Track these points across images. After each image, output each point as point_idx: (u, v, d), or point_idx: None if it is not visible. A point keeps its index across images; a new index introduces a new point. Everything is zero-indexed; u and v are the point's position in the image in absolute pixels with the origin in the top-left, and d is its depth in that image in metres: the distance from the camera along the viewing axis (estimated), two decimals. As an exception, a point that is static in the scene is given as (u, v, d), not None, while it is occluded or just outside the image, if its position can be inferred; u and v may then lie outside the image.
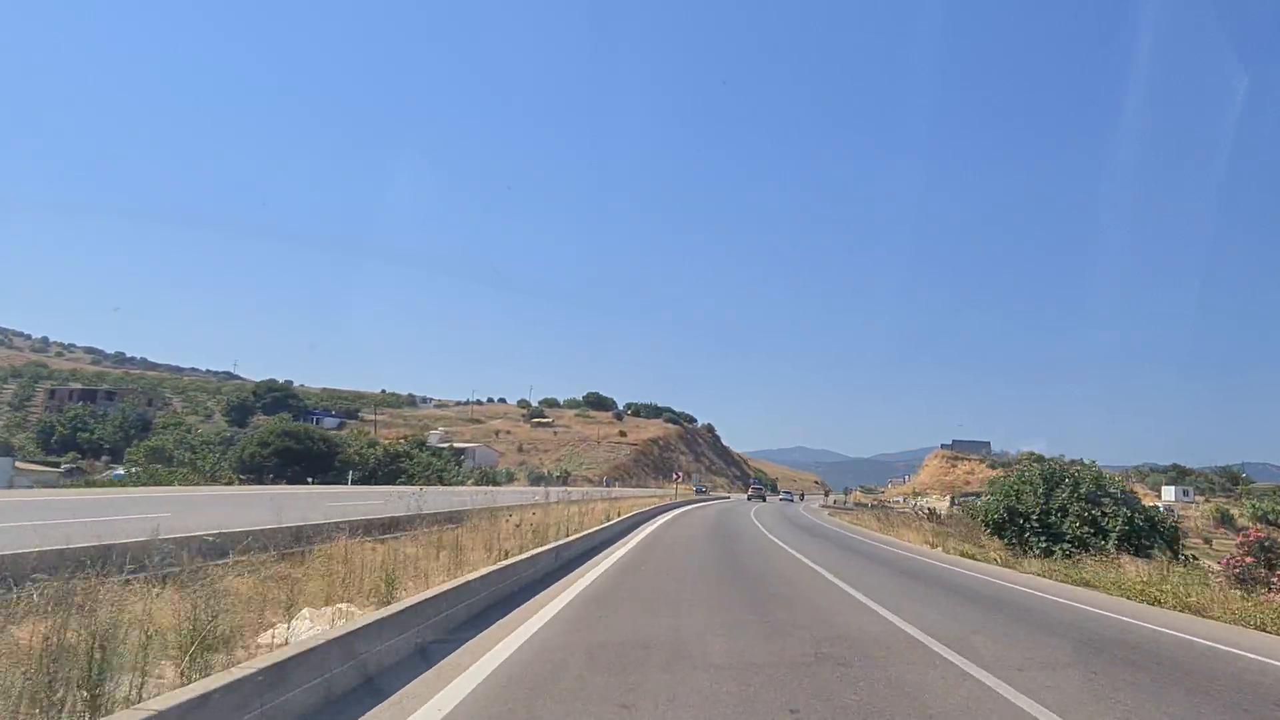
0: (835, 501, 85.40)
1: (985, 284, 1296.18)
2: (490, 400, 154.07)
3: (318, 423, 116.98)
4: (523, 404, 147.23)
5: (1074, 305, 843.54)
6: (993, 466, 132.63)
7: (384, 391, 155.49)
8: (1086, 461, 22.63)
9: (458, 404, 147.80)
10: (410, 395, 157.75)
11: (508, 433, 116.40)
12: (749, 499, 79.70)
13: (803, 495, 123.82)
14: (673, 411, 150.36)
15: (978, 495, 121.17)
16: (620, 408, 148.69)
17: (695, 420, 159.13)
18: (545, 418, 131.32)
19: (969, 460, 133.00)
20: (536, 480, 70.17)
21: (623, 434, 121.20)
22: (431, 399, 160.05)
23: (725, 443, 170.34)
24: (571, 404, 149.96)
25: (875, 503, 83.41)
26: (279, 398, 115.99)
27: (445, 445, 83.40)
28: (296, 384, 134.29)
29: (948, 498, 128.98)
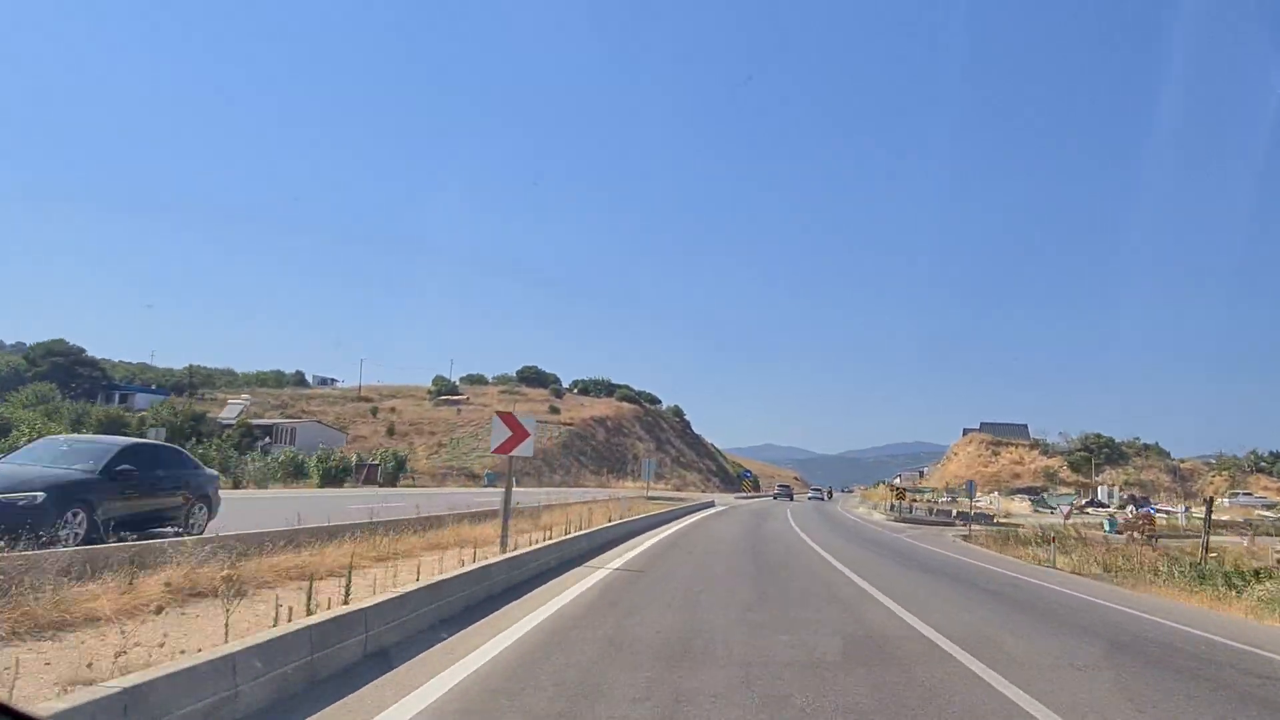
0: (896, 506, 53.05)
1: (974, 284, 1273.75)
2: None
3: (122, 399, 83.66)
4: (437, 381, 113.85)
5: (1067, 305, 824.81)
6: (1046, 453, 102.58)
7: (278, 371, 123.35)
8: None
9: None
10: (299, 373, 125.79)
11: (391, 410, 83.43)
12: (775, 498, 70.99)
13: (831, 492, 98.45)
14: (629, 389, 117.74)
15: (1043, 490, 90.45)
16: (563, 385, 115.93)
17: (659, 401, 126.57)
18: (458, 394, 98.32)
19: (1014, 446, 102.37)
20: (342, 473, 37.54)
21: (554, 411, 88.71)
22: (334, 379, 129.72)
23: (697, 431, 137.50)
24: (502, 380, 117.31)
25: (978, 510, 51.02)
26: (63, 364, 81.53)
27: (231, 422, 50.19)
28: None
29: (994, 493, 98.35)
